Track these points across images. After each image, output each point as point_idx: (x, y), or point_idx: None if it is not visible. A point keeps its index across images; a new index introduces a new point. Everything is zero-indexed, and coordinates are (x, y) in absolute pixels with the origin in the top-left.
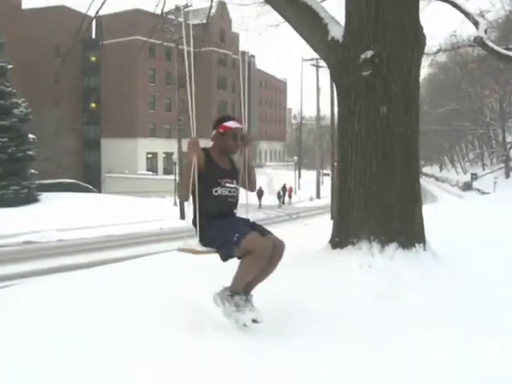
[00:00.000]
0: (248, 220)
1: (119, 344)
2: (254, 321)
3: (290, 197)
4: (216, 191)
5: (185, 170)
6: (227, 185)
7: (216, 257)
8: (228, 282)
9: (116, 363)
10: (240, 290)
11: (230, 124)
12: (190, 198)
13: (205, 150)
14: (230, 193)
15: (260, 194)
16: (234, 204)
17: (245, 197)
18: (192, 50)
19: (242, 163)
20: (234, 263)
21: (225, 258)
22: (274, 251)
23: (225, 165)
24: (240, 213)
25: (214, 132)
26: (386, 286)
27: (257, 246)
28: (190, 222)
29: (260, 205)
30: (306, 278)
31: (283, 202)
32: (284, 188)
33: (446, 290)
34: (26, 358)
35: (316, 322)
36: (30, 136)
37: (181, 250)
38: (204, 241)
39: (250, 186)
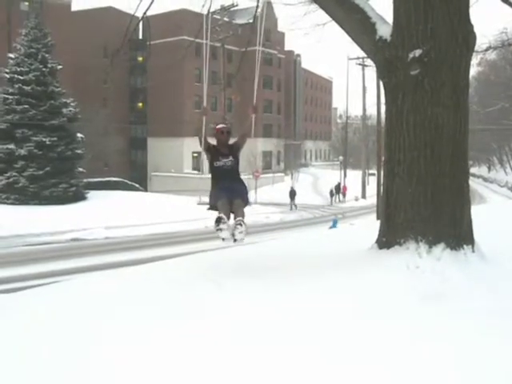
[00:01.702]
0: (233, 187)
1: None
2: (223, 239)
3: (344, 195)
4: (216, 164)
5: (196, 126)
6: (223, 160)
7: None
8: None
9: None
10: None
11: (218, 126)
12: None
13: (214, 145)
14: (225, 164)
15: (292, 194)
16: (228, 170)
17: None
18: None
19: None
20: None
21: (208, 209)
22: (235, 209)
23: (224, 150)
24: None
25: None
26: (433, 288)
27: (218, 208)
28: None
29: (292, 206)
30: (352, 276)
31: (337, 200)
32: (337, 187)
33: (495, 292)
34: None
35: (359, 319)
36: (79, 135)
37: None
38: None
39: (245, 132)
